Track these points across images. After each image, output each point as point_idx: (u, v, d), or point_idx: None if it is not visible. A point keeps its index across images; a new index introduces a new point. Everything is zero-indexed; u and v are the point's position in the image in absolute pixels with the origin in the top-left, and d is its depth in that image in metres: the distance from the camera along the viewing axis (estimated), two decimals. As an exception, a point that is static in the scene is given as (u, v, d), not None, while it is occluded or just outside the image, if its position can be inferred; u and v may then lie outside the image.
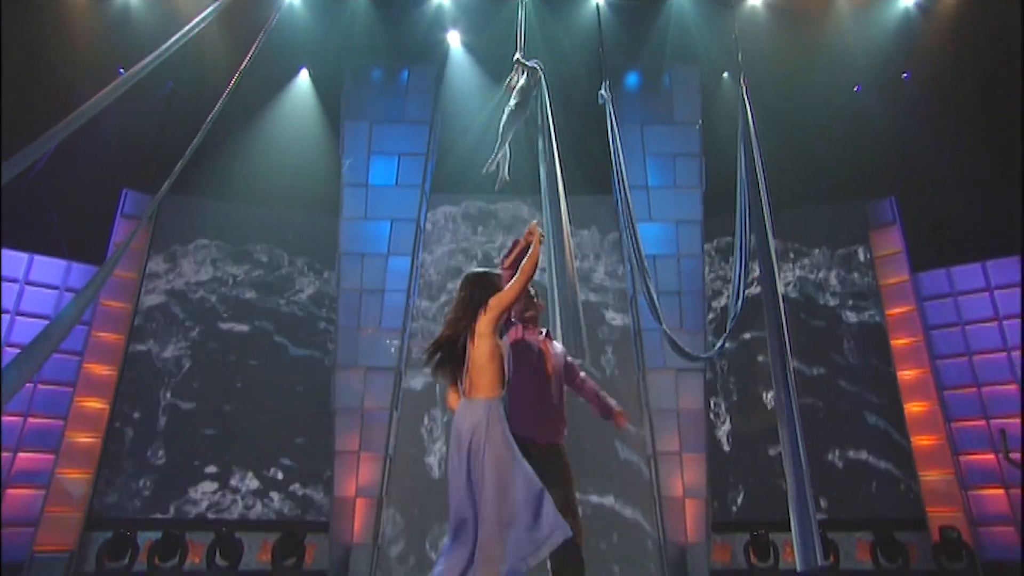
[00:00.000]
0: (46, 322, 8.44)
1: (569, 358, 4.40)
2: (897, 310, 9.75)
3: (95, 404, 8.85)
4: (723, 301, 10.01)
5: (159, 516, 8.65)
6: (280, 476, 9.21)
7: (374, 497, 8.83)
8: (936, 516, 8.83)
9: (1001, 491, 8.70)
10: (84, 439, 8.67)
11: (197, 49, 7.60)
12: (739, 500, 9.36)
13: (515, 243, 4.22)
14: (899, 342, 9.63)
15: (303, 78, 10.04)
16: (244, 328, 9.65)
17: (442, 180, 10.04)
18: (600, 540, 8.90)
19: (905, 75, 9.72)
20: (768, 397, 9.54)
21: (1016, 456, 8.25)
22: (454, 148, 9.88)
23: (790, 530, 5.82)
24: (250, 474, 9.15)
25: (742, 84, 6.75)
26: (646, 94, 10.13)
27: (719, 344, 6.95)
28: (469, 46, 9.58)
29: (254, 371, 9.51)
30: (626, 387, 9.48)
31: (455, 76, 9.75)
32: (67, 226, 8.62)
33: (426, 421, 9.45)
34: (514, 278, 3.70)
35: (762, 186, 6.30)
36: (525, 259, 3.78)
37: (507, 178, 6.42)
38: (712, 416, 9.74)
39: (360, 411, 9.03)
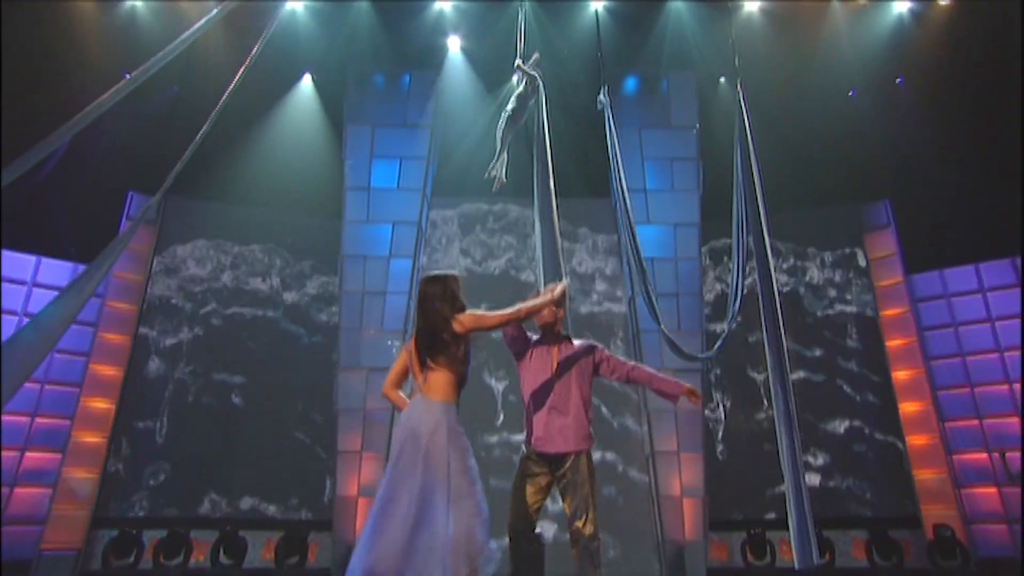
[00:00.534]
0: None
1: (603, 354, 4.22)
2: (892, 311, 9.77)
3: (101, 404, 8.86)
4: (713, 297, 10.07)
5: (164, 515, 8.65)
6: (283, 475, 9.20)
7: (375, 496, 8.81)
8: (930, 514, 8.86)
9: (994, 490, 8.72)
10: (90, 439, 8.68)
11: (202, 55, 7.63)
12: (736, 499, 9.35)
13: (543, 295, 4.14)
14: (894, 343, 9.65)
15: (306, 83, 10.05)
16: (247, 329, 9.66)
17: (443, 183, 10.05)
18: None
19: (899, 80, 9.74)
20: (765, 397, 9.55)
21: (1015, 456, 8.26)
22: (455, 152, 9.89)
23: (786, 529, 5.86)
24: (253, 473, 9.14)
25: (739, 89, 6.77)
26: (644, 99, 10.14)
27: (717, 344, 6.97)
28: (469, 51, 9.59)
29: (258, 371, 9.52)
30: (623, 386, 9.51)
31: (455, 81, 9.76)
32: (74, 229, 8.62)
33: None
34: (508, 310, 3.67)
35: (759, 189, 6.33)
36: (532, 303, 3.81)
37: (504, 180, 6.43)
38: (709, 416, 9.75)
39: (362, 411, 9.02)
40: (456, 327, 3.53)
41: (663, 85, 10.09)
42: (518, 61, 6.41)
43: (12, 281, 8.20)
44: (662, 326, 6.70)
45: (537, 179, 6.41)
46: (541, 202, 6.31)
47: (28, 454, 8.23)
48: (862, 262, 10.07)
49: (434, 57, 9.65)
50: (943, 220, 9.31)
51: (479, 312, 3.62)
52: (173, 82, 8.74)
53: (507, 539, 3.93)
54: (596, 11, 8.66)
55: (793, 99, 9.39)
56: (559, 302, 3.96)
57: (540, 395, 4.05)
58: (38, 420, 8.35)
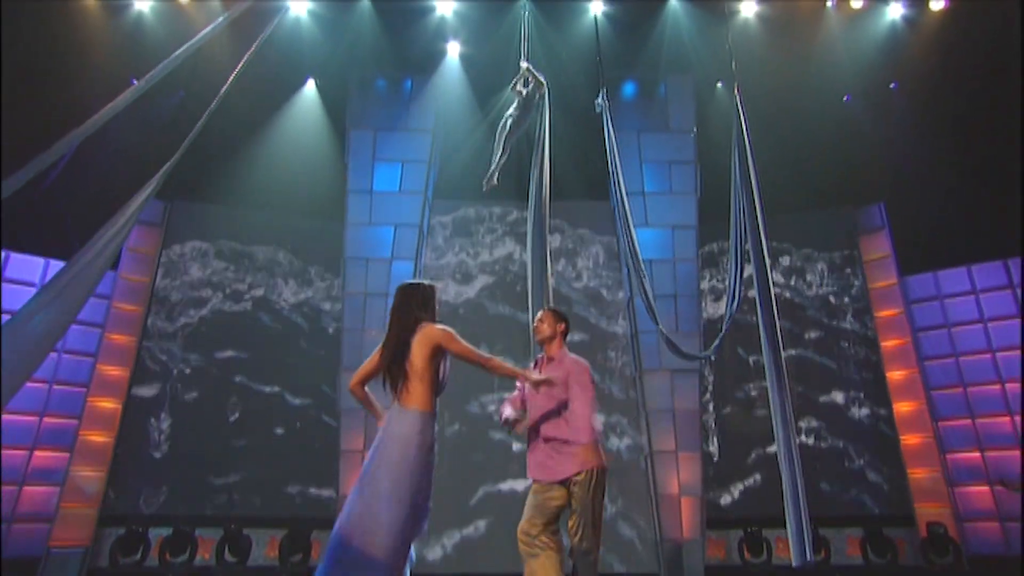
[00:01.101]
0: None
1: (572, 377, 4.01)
2: (886, 312, 9.80)
3: (108, 404, 8.89)
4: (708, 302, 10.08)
5: (170, 513, 8.66)
6: (286, 474, 9.22)
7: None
8: (924, 512, 8.89)
9: (986, 488, 8.76)
10: (98, 438, 8.71)
11: (208, 60, 7.62)
12: (733, 498, 9.36)
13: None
14: (888, 343, 9.68)
15: (309, 88, 10.07)
16: (252, 329, 9.69)
17: (444, 186, 10.06)
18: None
19: (893, 85, 9.75)
20: (762, 396, 9.56)
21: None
22: (456, 155, 9.90)
23: (782, 527, 5.87)
24: (257, 472, 9.16)
25: (736, 93, 6.78)
26: (642, 103, 10.16)
27: (715, 344, 6.98)
28: (469, 57, 9.60)
29: (261, 371, 9.55)
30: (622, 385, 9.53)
31: (457, 85, 9.77)
32: (82, 232, 8.62)
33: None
34: (473, 349, 3.61)
35: (756, 191, 6.33)
36: (505, 366, 3.76)
37: (495, 182, 6.45)
38: (707, 416, 9.76)
39: (364, 411, 9.00)
40: (423, 335, 3.53)
41: (661, 89, 10.11)
42: (526, 64, 6.43)
43: (21, 283, 8.21)
44: (660, 326, 6.71)
45: (533, 182, 6.44)
46: (534, 204, 6.34)
47: (37, 453, 8.28)
48: (857, 264, 10.08)
49: (435, 62, 9.67)
50: (936, 223, 9.34)
51: (453, 333, 3.57)
52: (180, 87, 8.75)
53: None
54: (595, 16, 8.66)
55: (789, 103, 9.40)
56: (535, 383, 3.81)
57: (529, 424, 4.08)
58: (46, 420, 8.39)
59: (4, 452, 7.97)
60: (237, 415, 9.32)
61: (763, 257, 6.27)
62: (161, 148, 6.34)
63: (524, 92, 6.37)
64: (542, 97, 6.41)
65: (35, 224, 8.21)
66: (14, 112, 7.80)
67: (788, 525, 5.72)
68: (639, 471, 9.31)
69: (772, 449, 8.99)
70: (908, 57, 9.11)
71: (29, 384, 8.21)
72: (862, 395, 9.62)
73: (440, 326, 3.61)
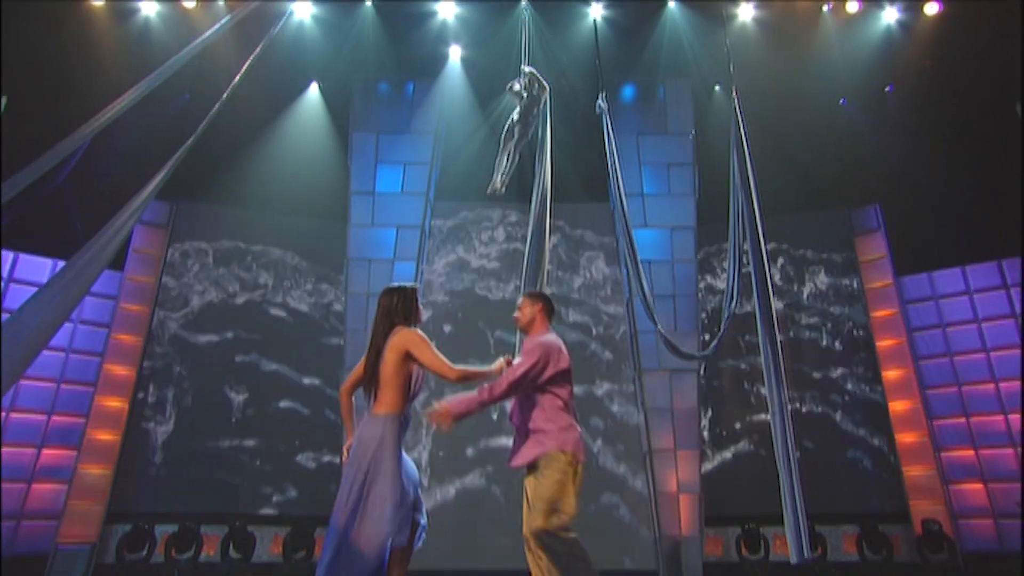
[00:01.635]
0: (67, 324, 8.54)
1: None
2: (882, 312, 9.81)
3: (115, 403, 8.90)
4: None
5: (175, 510, 8.67)
6: (290, 472, 9.23)
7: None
8: (919, 509, 8.90)
9: (980, 485, 8.77)
10: (104, 436, 8.72)
11: (213, 64, 7.64)
12: (731, 495, 9.36)
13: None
14: (884, 343, 9.69)
15: (313, 91, 10.09)
16: (257, 329, 9.70)
17: (445, 188, 10.08)
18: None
19: (888, 88, 9.76)
20: (759, 395, 9.58)
21: None
22: (457, 157, 9.92)
23: (780, 524, 5.88)
24: (261, 470, 9.18)
25: (734, 96, 6.79)
26: (641, 106, 10.17)
27: (713, 344, 6.99)
28: (470, 60, 9.61)
29: (265, 370, 9.56)
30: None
31: (458, 88, 9.78)
32: (89, 233, 8.63)
33: (425, 421, 9.47)
34: (441, 360, 3.52)
35: (754, 193, 6.34)
36: (475, 370, 3.67)
37: (498, 186, 6.45)
38: (705, 415, 9.76)
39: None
40: (395, 340, 3.53)
41: (660, 92, 10.13)
42: (530, 68, 6.43)
43: (29, 283, 8.22)
44: (659, 326, 6.72)
45: (535, 184, 6.45)
46: (536, 206, 6.35)
47: (45, 451, 8.31)
48: (853, 264, 10.09)
49: (437, 66, 9.68)
50: (931, 224, 9.37)
51: (424, 340, 3.54)
52: (185, 90, 8.77)
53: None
54: (595, 21, 8.68)
55: (786, 106, 9.42)
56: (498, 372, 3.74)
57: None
58: (54, 418, 8.42)
59: (13, 450, 8.01)
60: (241, 414, 9.32)
61: (761, 258, 6.28)
62: (167, 151, 6.36)
63: (524, 94, 6.37)
64: (545, 102, 6.42)
65: (43, 225, 8.23)
66: (23, 116, 7.83)
67: (786, 522, 5.73)
68: (638, 469, 9.32)
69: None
70: (903, 61, 9.13)
71: (38, 383, 8.32)
72: (858, 394, 9.62)
73: (411, 331, 3.60)
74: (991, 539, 8.57)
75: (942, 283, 9.54)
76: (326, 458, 9.35)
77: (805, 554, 5.66)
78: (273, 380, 9.53)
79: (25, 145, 6.53)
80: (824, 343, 9.90)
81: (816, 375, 9.78)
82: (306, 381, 9.65)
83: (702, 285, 10.03)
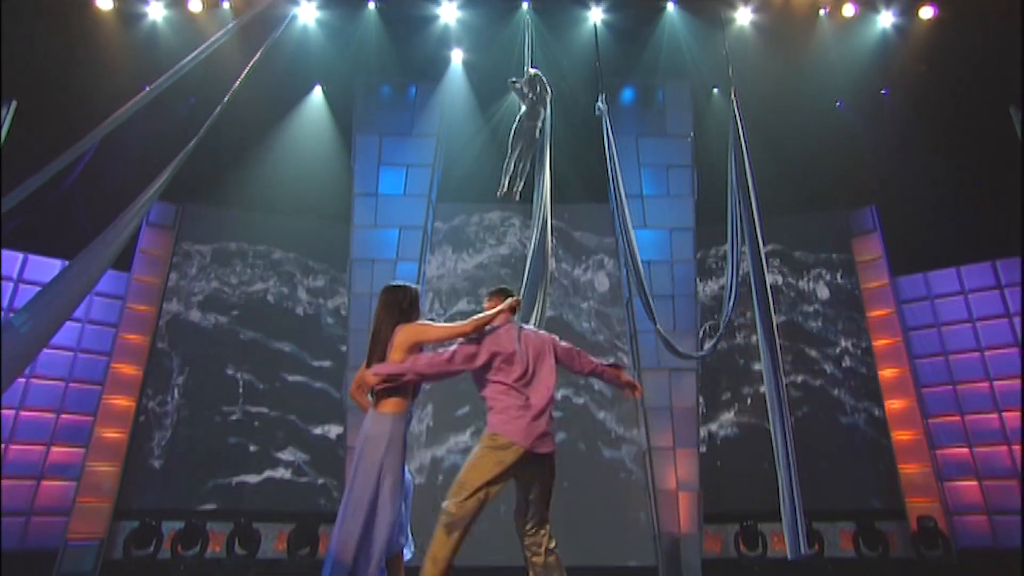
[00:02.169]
0: (75, 324, 8.58)
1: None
2: (878, 312, 9.83)
3: (122, 402, 8.94)
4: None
5: (182, 507, 8.70)
6: (296, 470, 9.25)
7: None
8: (914, 507, 8.92)
9: (974, 483, 8.78)
10: (112, 434, 8.76)
11: (219, 68, 7.65)
12: (729, 493, 9.37)
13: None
14: (880, 342, 9.71)
15: (317, 94, 10.10)
16: (260, 328, 9.72)
17: (447, 190, 10.09)
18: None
19: (884, 91, 9.77)
20: (758, 395, 9.59)
21: None
22: (459, 160, 9.93)
23: (778, 521, 5.89)
24: (267, 468, 9.19)
25: (733, 99, 6.79)
26: (641, 108, 10.18)
27: (712, 343, 7.00)
28: (472, 64, 9.62)
29: (270, 369, 9.59)
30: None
31: (460, 91, 9.80)
32: (97, 234, 8.66)
33: (427, 419, 9.48)
34: (451, 325, 3.62)
35: (753, 194, 6.35)
36: (476, 320, 3.68)
37: (506, 189, 6.45)
38: (704, 413, 9.78)
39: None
40: (399, 338, 3.56)
41: (659, 95, 10.13)
42: (536, 71, 6.45)
43: (38, 284, 8.21)
44: (658, 326, 6.73)
45: (537, 185, 6.47)
46: (537, 207, 6.37)
47: (54, 449, 8.34)
48: (849, 265, 10.10)
49: (439, 69, 9.69)
50: (927, 225, 9.38)
51: (428, 324, 3.61)
52: (191, 94, 8.78)
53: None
54: (595, 24, 8.69)
55: (783, 109, 9.43)
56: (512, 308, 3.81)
57: None
58: (63, 417, 8.45)
59: (23, 447, 8.06)
60: (246, 412, 9.34)
61: (760, 258, 6.28)
62: (173, 153, 6.38)
63: (527, 93, 6.38)
64: (548, 105, 6.43)
65: (53, 227, 8.25)
66: (32, 120, 7.84)
67: (783, 519, 5.74)
68: (638, 467, 9.33)
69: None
70: (898, 64, 9.13)
71: (47, 382, 8.35)
72: (855, 393, 9.63)
73: (413, 324, 3.63)
74: (985, 535, 8.58)
75: (937, 283, 9.56)
76: (333, 455, 9.36)
77: (802, 550, 5.66)
78: (278, 376, 9.56)
79: (35, 148, 6.56)
80: (820, 342, 9.90)
81: (814, 374, 9.78)
82: (311, 379, 9.67)
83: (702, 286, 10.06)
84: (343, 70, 9.54)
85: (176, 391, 9.21)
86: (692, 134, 9.86)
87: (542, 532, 3.70)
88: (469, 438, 9.24)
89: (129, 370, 9.05)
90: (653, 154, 9.88)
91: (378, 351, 3.63)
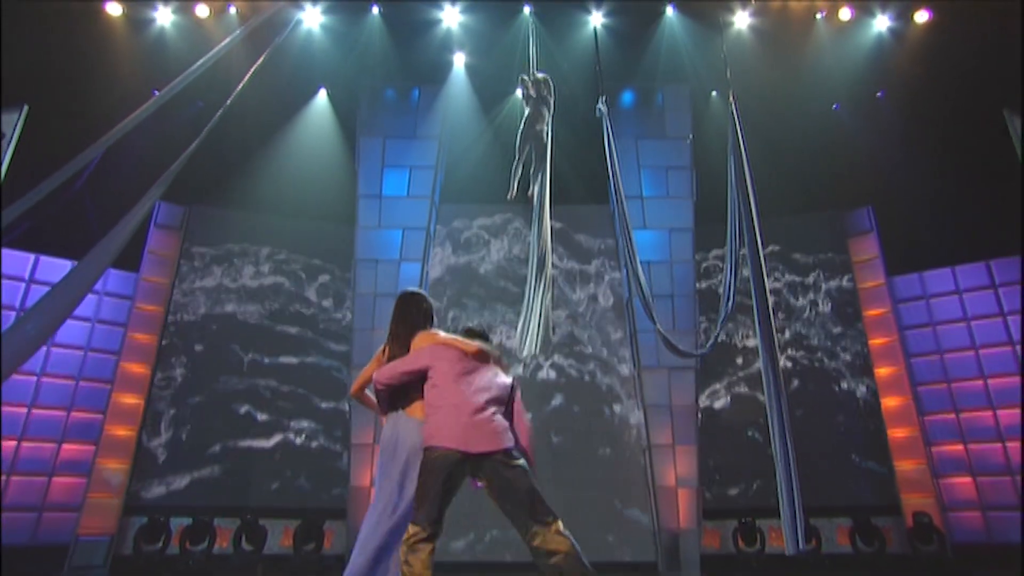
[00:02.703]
0: (85, 324, 8.62)
1: None
2: (874, 312, 9.85)
3: (131, 400, 9.00)
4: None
5: (190, 504, 8.74)
6: (300, 467, 9.30)
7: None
8: (910, 503, 8.95)
9: (969, 479, 8.80)
10: (122, 432, 8.82)
11: (225, 73, 7.68)
12: (728, 489, 9.40)
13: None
14: (876, 341, 9.73)
15: (322, 98, 10.15)
16: (266, 328, 9.77)
17: (449, 191, 10.12)
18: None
19: (880, 94, 9.79)
20: (756, 394, 9.60)
21: None
22: (461, 162, 9.96)
23: (776, 517, 5.90)
24: (272, 465, 9.25)
25: (731, 102, 6.79)
26: (640, 111, 10.20)
27: (711, 342, 7.01)
28: (475, 67, 9.64)
29: (275, 368, 9.64)
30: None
31: (462, 94, 9.82)
32: (105, 235, 8.71)
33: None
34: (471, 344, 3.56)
35: (751, 195, 6.35)
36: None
37: (515, 192, 6.48)
38: (703, 412, 9.80)
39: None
40: (426, 345, 3.58)
41: (658, 98, 10.16)
42: (544, 75, 6.47)
43: (49, 284, 8.27)
44: (658, 325, 6.74)
45: (537, 187, 6.49)
46: (537, 208, 6.39)
47: (65, 446, 8.42)
48: (846, 265, 10.12)
49: (442, 72, 9.72)
50: (922, 225, 9.41)
51: (442, 334, 3.63)
52: (198, 98, 8.81)
53: None
54: (595, 28, 8.71)
55: (780, 111, 9.46)
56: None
57: None
58: (74, 415, 8.53)
59: (35, 445, 8.12)
60: (252, 411, 9.38)
61: (759, 259, 6.29)
62: (180, 156, 6.41)
63: (532, 94, 6.42)
64: (551, 108, 6.46)
65: (64, 229, 8.30)
66: (43, 124, 7.87)
67: (782, 515, 5.75)
68: (638, 464, 9.35)
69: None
70: (894, 67, 9.15)
71: (58, 381, 8.41)
72: (851, 391, 9.65)
73: (430, 332, 3.67)
74: (980, 531, 8.61)
75: (932, 283, 9.59)
76: (338, 452, 9.40)
77: (800, 546, 5.68)
78: (283, 375, 9.60)
79: (46, 151, 6.60)
80: (817, 341, 9.92)
81: (810, 372, 9.81)
82: (315, 378, 9.70)
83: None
84: (347, 74, 9.57)
85: (183, 389, 9.25)
86: (691, 136, 9.89)
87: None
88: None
89: (137, 369, 9.10)
90: (653, 156, 9.91)
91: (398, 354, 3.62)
